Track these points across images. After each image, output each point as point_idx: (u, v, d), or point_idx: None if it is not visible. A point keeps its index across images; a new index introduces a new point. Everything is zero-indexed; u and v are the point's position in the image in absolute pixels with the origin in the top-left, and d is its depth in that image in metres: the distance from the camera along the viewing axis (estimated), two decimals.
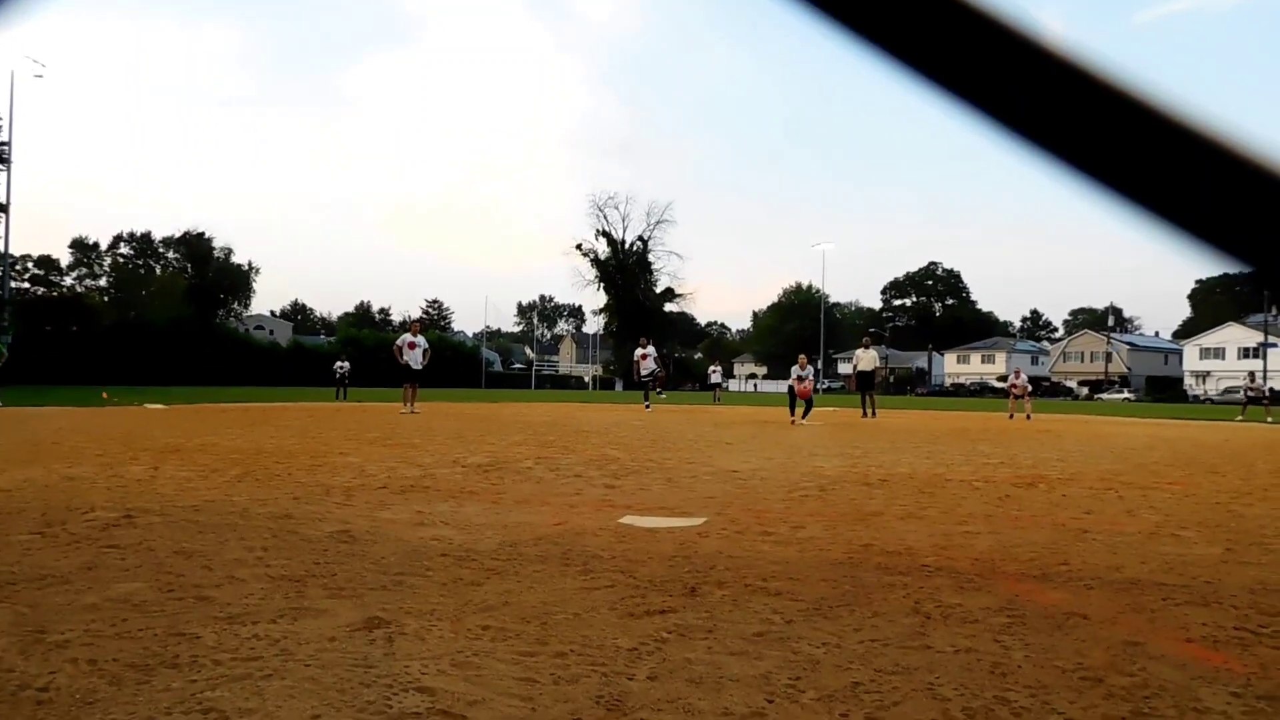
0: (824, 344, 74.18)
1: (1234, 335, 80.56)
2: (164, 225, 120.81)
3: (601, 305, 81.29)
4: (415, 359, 17.02)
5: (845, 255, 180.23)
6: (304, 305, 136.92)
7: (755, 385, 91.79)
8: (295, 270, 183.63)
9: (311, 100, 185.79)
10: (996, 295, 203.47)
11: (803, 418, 16.33)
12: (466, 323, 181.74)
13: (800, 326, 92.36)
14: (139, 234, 68.38)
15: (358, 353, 54.79)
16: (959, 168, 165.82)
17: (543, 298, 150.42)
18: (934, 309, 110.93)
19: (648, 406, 20.86)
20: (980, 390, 75.52)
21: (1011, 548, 4.14)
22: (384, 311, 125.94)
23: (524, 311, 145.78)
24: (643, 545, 4.05)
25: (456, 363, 62.48)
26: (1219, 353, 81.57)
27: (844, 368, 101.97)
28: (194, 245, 62.34)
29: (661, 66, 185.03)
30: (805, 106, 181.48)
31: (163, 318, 49.68)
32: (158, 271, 65.67)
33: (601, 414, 19.12)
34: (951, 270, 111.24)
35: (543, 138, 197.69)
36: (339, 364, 27.83)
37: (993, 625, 2.77)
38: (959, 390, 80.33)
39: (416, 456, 8.10)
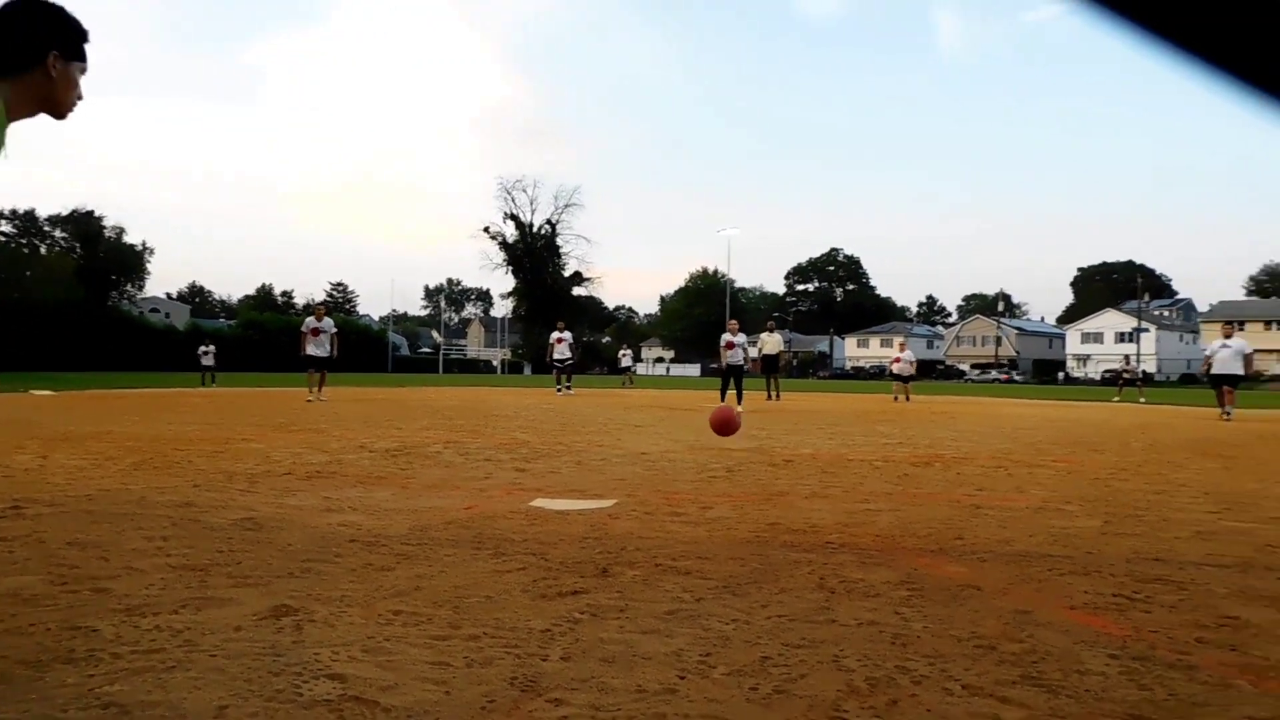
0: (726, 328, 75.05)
1: (1111, 320, 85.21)
2: (50, 203, 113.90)
3: (510, 289, 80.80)
4: (321, 344, 16.29)
5: (751, 241, 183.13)
6: (202, 288, 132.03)
7: (668, 369, 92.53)
8: (193, 252, 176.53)
9: (212, 77, 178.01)
10: (895, 281, 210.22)
11: (738, 402, 14.90)
12: (372, 306, 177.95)
13: (707, 311, 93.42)
14: (21, 211, 64.25)
15: (261, 336, 52.94)
16: (860, 156, 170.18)
17: (450, 281, 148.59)
18: (835, 294, 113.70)
19: (559, 391, 20.84)
20: (880, 373, 77.88)
21: (910, 524, 4.31)
22: (287, 294, 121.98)
23: (431, 295, 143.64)
24: (554, 528, 4.06)
25: (362, 347, 61.19)
26: (1098, 337, 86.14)
27: (750, 351, 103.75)
28: (83, 224, 59.12)
29: (572, 49, 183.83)
30: (713, 92, 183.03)
31: (50, 299, 46.91)
32: (43, 251, 61.94)
33: (511, 398, 19.00)
34: (852, 257, 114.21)
35: (451, 119, 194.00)
36: (204, 348, 26.53)
37: (894, 598, 2.89)
38: (859, 373, 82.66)
39: (323, 442, 7.91)
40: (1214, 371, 15.85)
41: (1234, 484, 6.15)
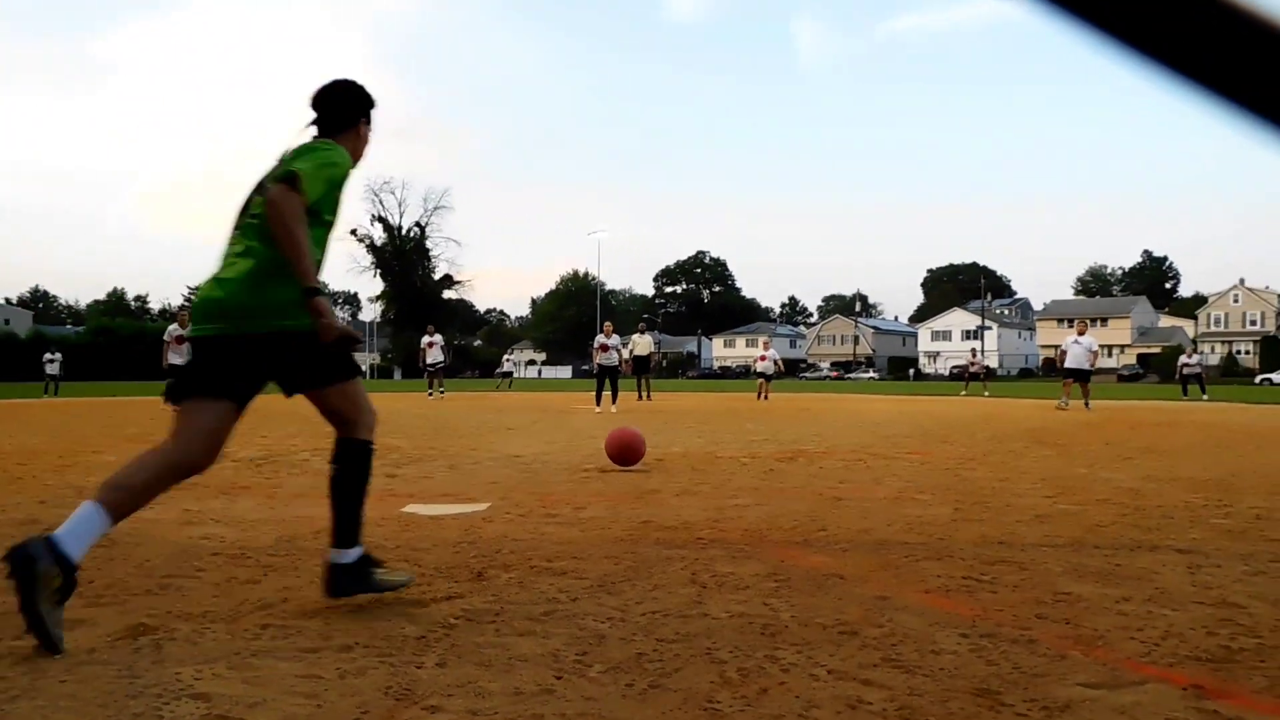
0: (599, 330, 75.53)
1: (958, 319, 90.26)
2: None
3: (379, 292, 78.81)
4: (185, 353, 15.16)
5: (621, 243, 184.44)
6: (46, 292, 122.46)
7: (539, 372, 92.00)
8: (35, 254, 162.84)
9: (54, 66, 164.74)
10: (759, 283, 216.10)
11: (613, 401, 14.94)
12: None
13: (578, 313, 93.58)
14: None
15: (112, 343, 49.55)
16: (725, 160, 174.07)
17: None
18: (703, 296, 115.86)
19: (430, 394, 20.45)
20: (746, 372, 79.92)
21: (777, 517, 4.46)
22: (141, 299, 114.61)
23: None
24: (427, 533, 4.00)
25: None
26: (947, 335, 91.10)
27: (623, 353, 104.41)
28: None
29: (440, 48, 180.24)
30: (582, 94, 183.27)
31: None
32: None
33: (381, 403, 18.43)
34: (718, 259, 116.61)
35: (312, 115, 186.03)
36: (49, 356, 24.70)
37: (762, 590, 2.99)
38: (726, 373, 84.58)
39: None
40: (1066, 365, 17.08)
41: (1067, 470, 6.65)
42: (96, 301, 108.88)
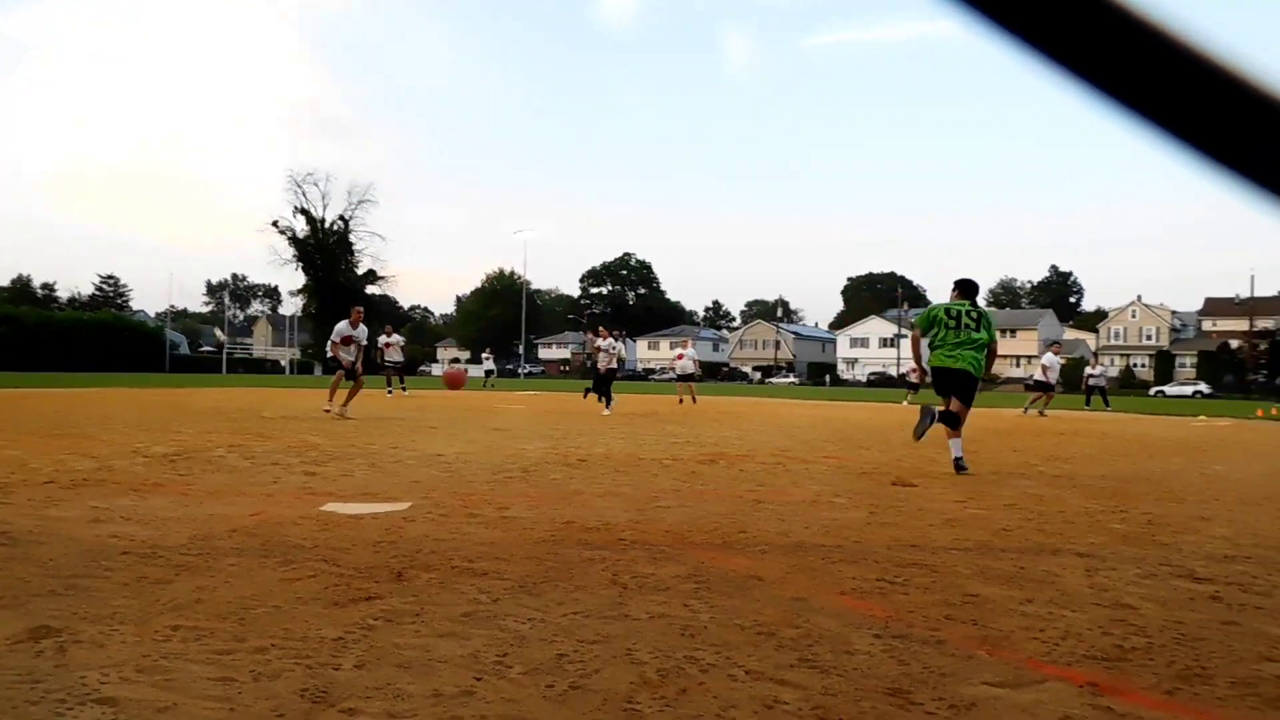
0: (525, 330, 75.19)
1: (876, 327, 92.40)
2: None
3: (300, 286, 76.79)
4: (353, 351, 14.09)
5: (547, 244, 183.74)
6: None
7: (466, 370, 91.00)
8: None
9: None
10: (684, 287, 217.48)
11: (607, 406, 15.15)
12: (148, 302, 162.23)
13: (503, 312, 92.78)
14: None
15: (17, 332, 47.22)
16: (652, 164, 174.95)
17: (235, 276, 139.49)
18: (628, 298, 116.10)
19: (390, 392, 20.02)
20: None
21: (698, 519, 4.51)
22: (49, 287, 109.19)
23: (214, 290, 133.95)
24: (347, 532, 3.93)
25: (136, 345, 56.08)
26: (864, 342, 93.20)
27: (544, 353, 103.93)
28: None
29: (370, 43, 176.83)
30: (511, 95, 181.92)
31: None
32: None
33: (301, 399, 17.99)
34: (644, 261, 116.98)
35: (238, 107, 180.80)
36: None
37: (682, 591, 3.02)
38: (650, 374, 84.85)
39: (90, 448, 7.17)
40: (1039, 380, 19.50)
41: (976, 476, 6.88)
42: (0, 289, 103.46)
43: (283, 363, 76.16)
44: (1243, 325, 71.45)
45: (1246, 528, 4.75)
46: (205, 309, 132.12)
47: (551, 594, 2.93)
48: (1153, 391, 59.54)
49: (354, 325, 12.59)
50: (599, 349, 15.91)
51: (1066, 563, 3.68)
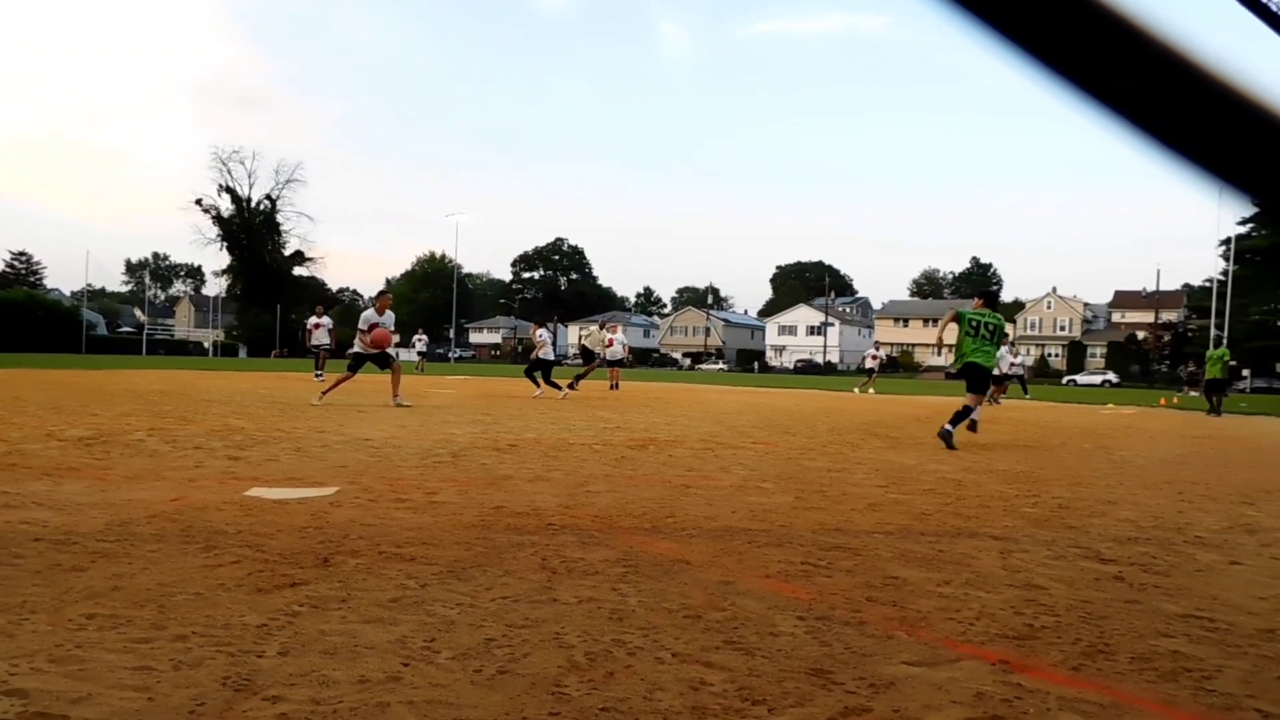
0: (455, 314, 74.35)
1: (804, 315, 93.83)
2: None
3: (224, 266, 74.66)
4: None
5: (479, 227, 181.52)
6: None
7: (397, 354, 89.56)
8: None
9: None
10: (615, 273, 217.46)
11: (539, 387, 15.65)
12: (63, 280, 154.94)
13: (434, 295, 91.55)
14: None
15: None
16: (586, 149, 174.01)
17: (156, 255, 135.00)
18: (560, 283, 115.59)
19: (318, 375, 19.42)
20: (604, 362, 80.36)
21: (627, 504, 4.54)
22: None
23: (134, 270, 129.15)
24: (271, 518, 3.85)
25: (51, 324, 53.76)
26: (792, 329, 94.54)
27: (475, 337, 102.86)
28: None
29: (298, 16, 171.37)
30: (441, 76, 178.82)
31: None
32: None
33: (226, 382, 17.48)
34: (576, 247, 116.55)
35: (159, 79, 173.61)
36: None
37: (611, 575, 3.04)
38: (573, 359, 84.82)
39: (0, 431, 6.85)
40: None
41: (898, 461, 7.07)
42: None
43: (206, 345, 73.99)
44: (1149, 318, 74.68)
45: (1148, 511, 4.99)
46: (125, 288, 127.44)
47: (480, 579, 2.93)
48: (1065, 380, 61.74)
49: (380, 313, 12.32)
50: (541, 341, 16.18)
51: (982, 545, 3.82)
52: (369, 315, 12.25)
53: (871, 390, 25.03)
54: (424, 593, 2.73)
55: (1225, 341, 23.74)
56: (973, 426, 8.94)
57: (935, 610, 2.76)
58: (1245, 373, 47.20)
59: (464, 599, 2.68)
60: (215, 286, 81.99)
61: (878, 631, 2.52)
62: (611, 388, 21.36)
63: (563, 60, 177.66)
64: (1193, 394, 35.95)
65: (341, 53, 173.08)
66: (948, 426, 8.47)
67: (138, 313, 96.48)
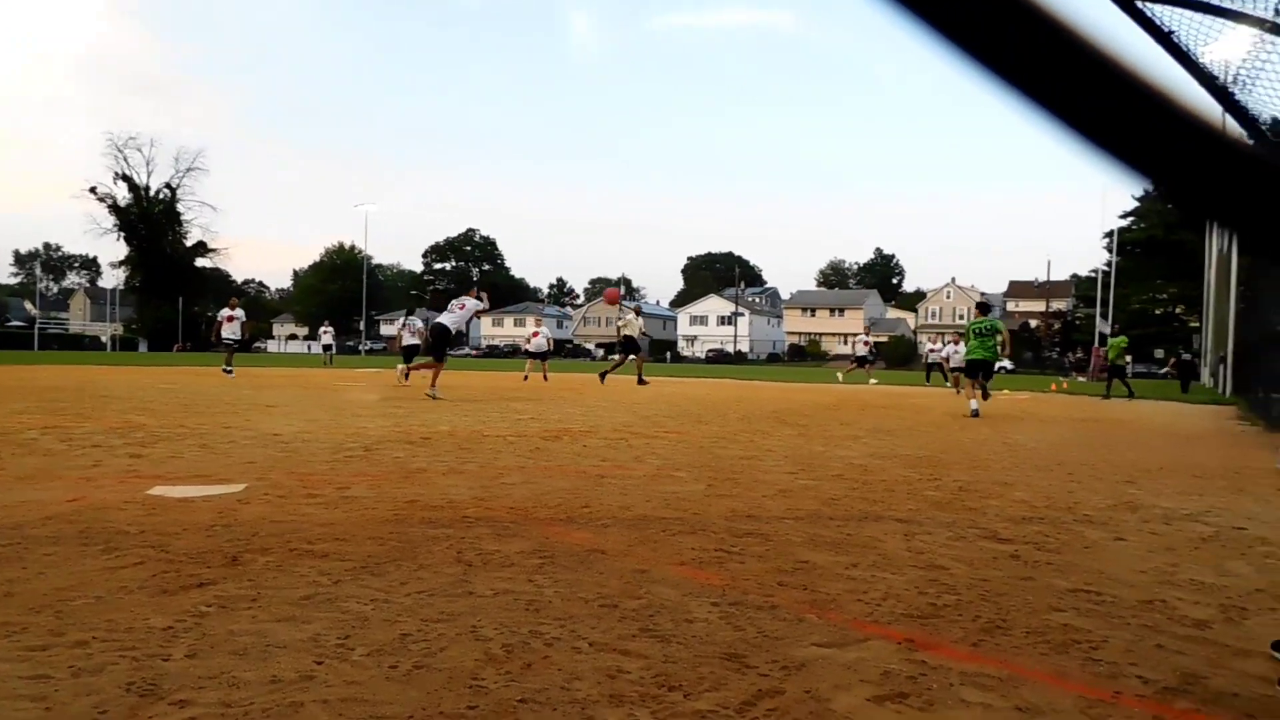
0: (366, 305, 72.74)
1: (715, 305, 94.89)
2: None
3: (122, 257, 71.31)
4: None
5: (389, 217, 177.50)
6: None
7: (309, 347, 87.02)
8: None
9: None
10: (528, 263, 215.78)
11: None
12: None
13: (343, 287, 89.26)
14: None
15: None
16: (496, 138, 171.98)
17: (48, 246, 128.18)
18: (473, 274, 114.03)
19: (227, 370, 18.62)
20: (513, 352, 79.67)
21: (543, 495, 4.54)
22: None
23: (23, 261, 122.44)
24: (176, 516, 3.71)
25: None
26: (704, 320, 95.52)
27: (386, 329, 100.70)
28: None
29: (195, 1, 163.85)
30: (351, 63, 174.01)
31: None
32: None
33: (125, 377, 16.69)
34: (489, 237, 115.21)
35: (45, 63, 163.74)
36: None
37: (527, 567, 3.05)
38: (494, 352, 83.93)
39: None
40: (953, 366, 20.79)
41: (807, 448, 7.24)
42: None
43: (104, 339, 70.59)
44: (1040, 307, 78.12)
45: (1041, 492, 5.24)
46: (14, 280, 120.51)
47: (395, 574, 2.89)
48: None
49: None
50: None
51: (887, 529, 3.96)
52: (474, 304, 12.77)
53: (874, 381, 25.23)
54: (337, 589, 2.68)
55: (1121, 330, 25.11)
56: (979, 406, 12.18)
57: (844, 592, 2.85)
58: (1129, 358, 49.84)
59: (378, 595, 2.64)
60: (113, 278, 78.27)
61: (789, 615, 2.59)
62: (525, 379, 21.25)
63: (472, 48, 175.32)
64: (1080, 379, 37.79)
65: (243, 38, 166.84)
66: (974, 405, 12.03)
67: (28, 306, 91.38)
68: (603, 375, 19.02)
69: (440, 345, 12.60)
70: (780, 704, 1.92)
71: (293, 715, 1.78)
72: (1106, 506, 4.79)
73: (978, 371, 12.43)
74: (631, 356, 18.56)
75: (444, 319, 12.69)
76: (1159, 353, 54.95)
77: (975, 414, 11.80)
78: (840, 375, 23.57)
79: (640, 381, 18.87)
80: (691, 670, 2.11)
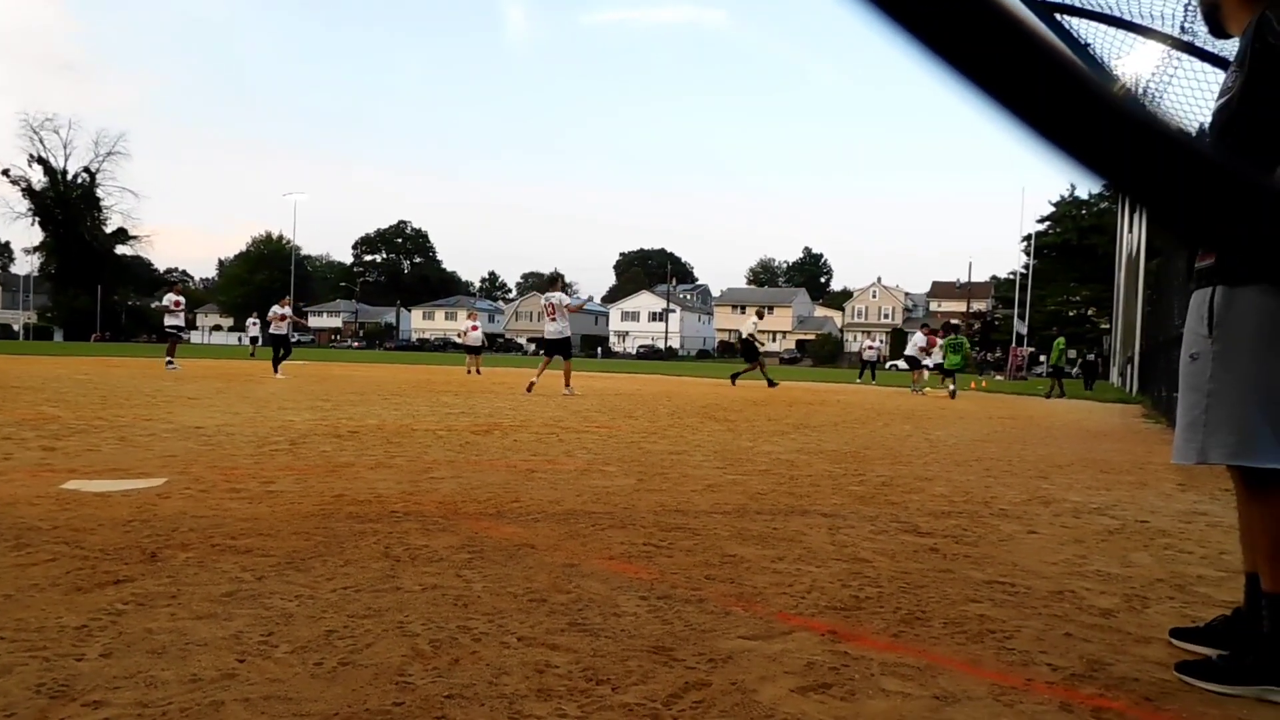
0: (294, 297, 71.16)
1: (646, 301, 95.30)
2: None
3: (37, 243, 68.40)
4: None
5: (318, 208, 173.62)
6: None
7: (240, 339, 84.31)
8: None
9: None
10: (460, 257, 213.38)
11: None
12: None
13: (270, 277, 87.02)
14: None
15: None
16: (427, 129, 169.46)
17: None
18: (403, 266, 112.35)
19: (171, 365, 17.79)
20: (444, 345, 78.67)
21: (472, 490, 4.51)
22: None
23: None
24: (92, 511, 3.59)
25: None
26: (635, 315, 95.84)
27: (315, 321, 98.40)
28: None
29: None
30: (280, 48, 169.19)
31: None
32: None
33: (38, 367, 15.97)
34: (420, 230, 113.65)
35: None
36: None
37: (456, 562, 3.03)
38: (425, 345, 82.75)
39: None
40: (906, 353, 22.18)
41: (734, 443, 7.34)
42: None
43: (16, 327, 67.49)
44: (962, 307, 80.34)
45: (960, 486, 5.41)
46: None
47: (320, 569, 2.85)
48: (888, 365, 65.60)
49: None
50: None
51: (812, 522, 4.04)
52: (560, 297, 13.66)
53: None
54: (260, 585, 2.63)
55: (1032, 330, 26.22)
56: (953, 394, 18.43)
57: (770, 585, 2.91)
58: (1042, 358, 51.58)
59: (303, 591, 2.60)
60: (26, 265, 75.03)
61: (716, 608, 2.63)
62: (469, 373, 21.05)
63: (405, 39, 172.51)
64: (998, 378, 38.94)
65: (165, 20, 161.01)
66: (952, 387, 18.80)
67: None
68: (734, 377, 19.97)
69: (565, 347, 13.90)
70: (707, 696, 1.96)
71: (213, 715, 1.75)
72: (1021, 501, 4.97)
73: (951, 373, 19.22)
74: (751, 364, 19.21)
75: (555, 329, 13.85)
76: (1072, 353, 57.08)
77: (953, 394, 18.25)
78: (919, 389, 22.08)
79: (770, 384, 19.33)
80: (619, 664, 2.13)
